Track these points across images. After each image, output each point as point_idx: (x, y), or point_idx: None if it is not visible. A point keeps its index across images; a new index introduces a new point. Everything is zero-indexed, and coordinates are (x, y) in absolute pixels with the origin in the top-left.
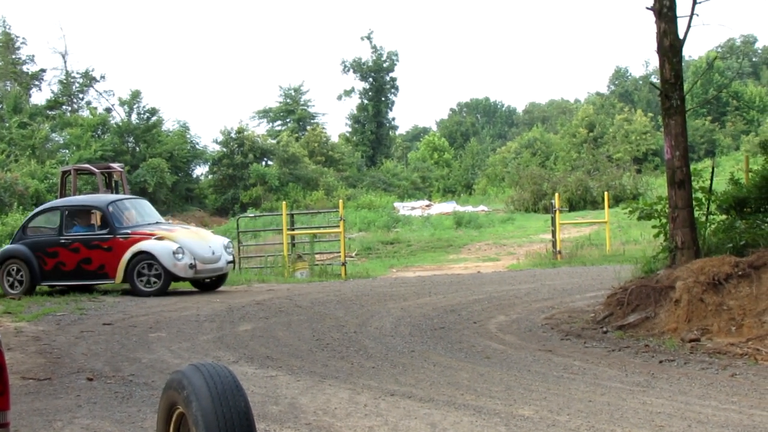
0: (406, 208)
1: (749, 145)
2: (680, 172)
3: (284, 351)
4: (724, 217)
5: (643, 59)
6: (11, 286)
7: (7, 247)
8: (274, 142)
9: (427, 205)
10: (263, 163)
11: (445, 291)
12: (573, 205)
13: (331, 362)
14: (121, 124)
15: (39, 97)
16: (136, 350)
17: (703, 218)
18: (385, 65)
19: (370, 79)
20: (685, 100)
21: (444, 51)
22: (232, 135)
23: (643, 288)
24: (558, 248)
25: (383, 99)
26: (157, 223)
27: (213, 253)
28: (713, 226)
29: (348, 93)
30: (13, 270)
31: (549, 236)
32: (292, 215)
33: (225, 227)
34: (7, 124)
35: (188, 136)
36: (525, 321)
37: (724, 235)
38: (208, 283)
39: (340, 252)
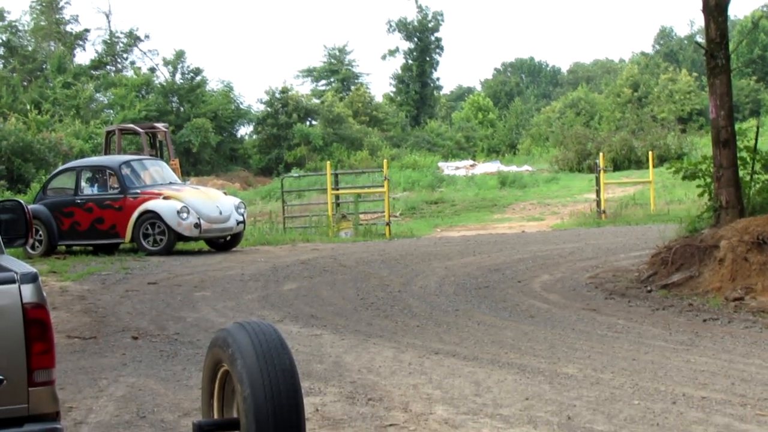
0: (450, 168)
1: None
2: (725, 132)
3: (329, 310)
4: None
5: (688, 18)
6: (32, 246)
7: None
8: (318, 102)
9: (471, 165)
10: (307, 123)
11: (489, 250)
12: (617, 165)
13: (376, 321)
14: (165, 84)
15: (83, 57)
16: (181, 309)
17: (748, 178)
18: (430, 25)
19: (415, 39)
20: (731, 59)
21: (489, 10)
22: (276, 95)
23: (688, 247)
24: (602, 208)
25: (428, 59)
26: (170, 183)
27: (220, 213)
28: (758, 186)
29: (392, 53)
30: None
31: (593, 196)
32: (336, 175)
33: (269, 187)
34: (52, 84)
35: (232, 96)
36: (569, 280)
37: None
38: (222, 243)
39: (384, 212)
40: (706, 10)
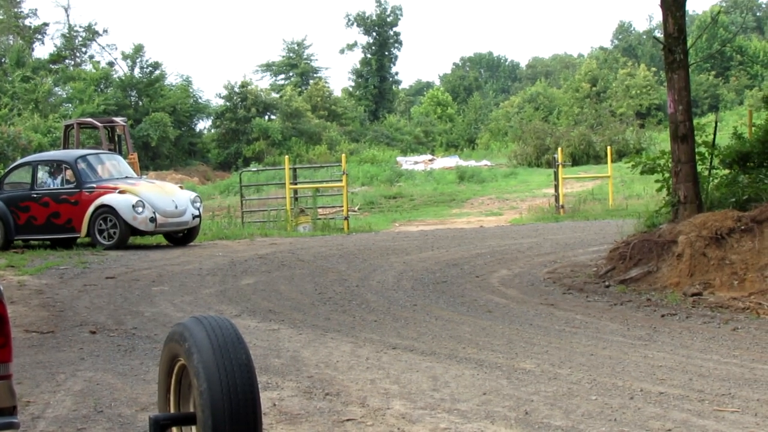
0: (408, 162)
1: (753, 99)
2: (683, 127)
3: (286, 305)
4: (726, 171)
5: (647, 13)
6: None
7: None
8: (276, 96)
9: (429, 160)
10: (266, 117)
11: (448, 245)
12: (576, 160)
13: (334, 316)
14: (123, 78)
15: (42, 51)
16: (139, 304)
17: (706, 173)
18: (388, 19)
19: (374, 34)
20: (689, 54)
21: (447, 4)
22: (235, 89)
23: (646, 242)
24: (560, 203)
25: (386, 53)
26: (126, 177)
27: (176, 207)
28: (716, 181)
29: (351, 47)
30: None
31: (552, 191)
32: (294, 169)
33: (228, 181)
34: (10, 78)
35: (191, 90)
36: (527, 275)
37: (727, 190)
38: (179, 237)
39: (342, 206)
40: (664, 5)
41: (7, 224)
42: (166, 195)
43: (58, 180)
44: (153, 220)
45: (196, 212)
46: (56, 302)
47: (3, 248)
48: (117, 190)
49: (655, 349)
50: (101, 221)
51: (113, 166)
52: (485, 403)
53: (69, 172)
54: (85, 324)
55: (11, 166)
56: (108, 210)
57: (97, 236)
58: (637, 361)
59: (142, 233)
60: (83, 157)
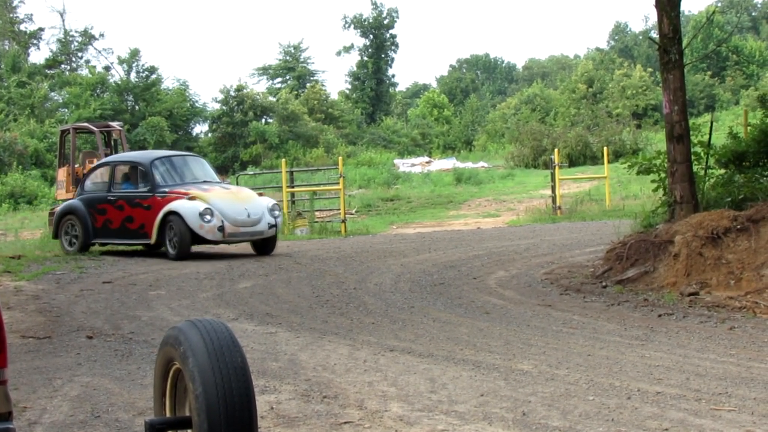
0: (405, 164)
1: (748, 99)
2: (679, 127)
3: (284, 308)
4: (722, 171)
5: (642, 14)
6: (70, 243)
7: (66, 202)
8: (273, 99)
9: (427, 162)
10: (263, 120)
11: (445, 247)
12: (573, 161)
13: (331, 318)
14: (120, 82)
15: (37, 56)
16: (136, 308)
17: (702, 172)
18: (385, 22)
19: (371, 36)
20: (684, 54)
21: (444, 7)
22: (232, 93)
23: (642, 243)
24: (558, 204)
25: (383, 56)
26: (204, 182)
27: (248, 216)
28: (712, 181)
29: (347, 49)
30: (70, 226)
31: (549, 192)
32: (291, 173)
33: None
34: (6, 84)
35: (187, 94)
36: (524, 276)
37: (723, 190)
38: (259, 246)
39: (339, 209)
40: (659, 5)
41: (85, 226)
42: (238, 202)
43: (134, 182)
44: (221, 228)
45: (273, 221)
46: (53, 307)
47: (81, 251)
48: (187, 196)
49: (652, 348)
50: (170, 229)
51: (193, 169)
52: (483, 405)
53: (144, 175)
54: (81, 329)
55: (93, 166)
56: (176, 217)
57: (168, 244)
58: (634, 361)
59: (210, 242)
60: (160, 159)
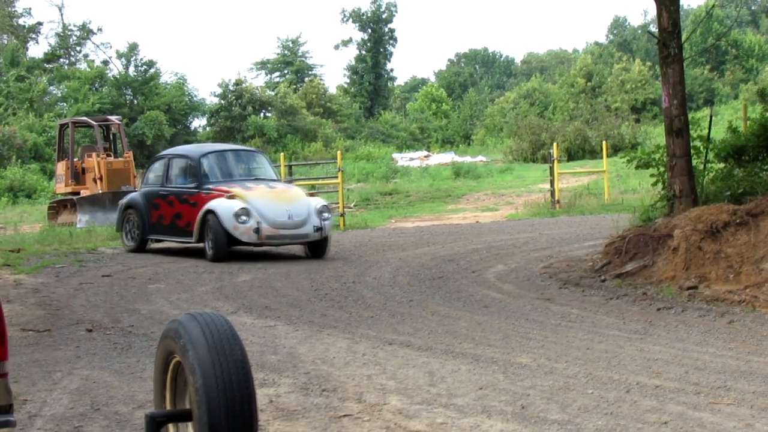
0: (404, 159)
1: (748, 93)
2: (678, 121)
3: (283, 301)
4: (722, 165)
5: (641, 8)
6: (128, 237)
7: (129, 195)
8: (272, 93)
9: (425, 156)
10: (261, 115)
11: (444, 241)
12: (571, 155)
13: (330, 312)
14: (118, 76)
15: (36, 50)
16: (135, 301)
17: (701, 167)
18: (383, 16)
19: (369, 30)
20: (683, 48)
21: (442, 1)
22: (230, 87)
23: (641, 236)
24: (556, 198)
25: (381, 50)
26: (255, 178)
27: (289, 218)
28: (711, 175)
29: (346, 43)
30: (130, 220)
31: (547, 186)
32: (290, 167)
33: None
34: (5, 78)
35: (186, 88)
36: (523, 270)
37: (722, 184)
38: (309, 249)
39: (338, 203)
40: None
41: (142, 220)
42: (280, 203)
43: (184, 177)
44: (257, 230)
45: (319, 224)
46: (52, 301)
47: (139, 248)
48: (227, 194)
49: (651, 342)
50: (208, 228)
51: (245, 164)
52: (482, 398)
53: (193, 170)
54: (81, 322)
55: (154, 158)
56: (213, 216)
57: (207, 244)
58: (633, 355)
59: (246, 244)
60: (210, 154)
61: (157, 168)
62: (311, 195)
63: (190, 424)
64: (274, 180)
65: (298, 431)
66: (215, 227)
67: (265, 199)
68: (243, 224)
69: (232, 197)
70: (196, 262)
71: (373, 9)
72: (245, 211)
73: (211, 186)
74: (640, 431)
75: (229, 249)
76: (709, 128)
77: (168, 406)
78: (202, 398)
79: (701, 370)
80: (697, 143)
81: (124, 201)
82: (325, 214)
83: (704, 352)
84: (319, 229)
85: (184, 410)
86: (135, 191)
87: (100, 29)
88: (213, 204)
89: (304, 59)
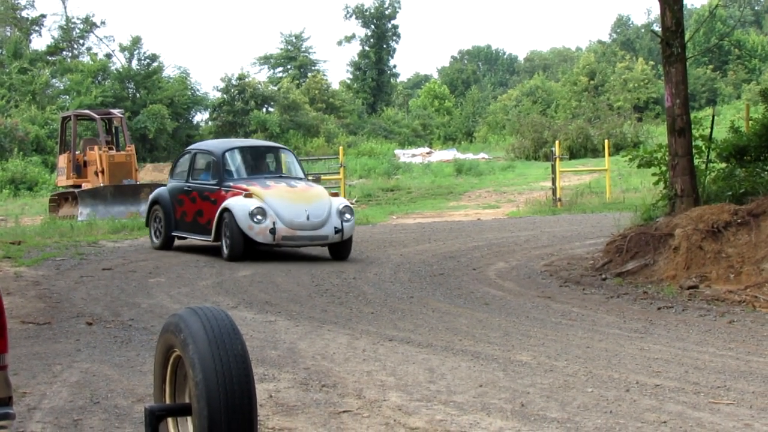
0: (406, 155)
1: (750, 93)
2: (680, 120)
3: (283, 296)
4: (723, 165)
5: (645, 7)
6: (155, 234)
7: (157, 189)
8: (274, 88)
9: (427, 153)
10: (264, 110)
11: (445, 238)
12: (573, 153)
13: (330, 308)
14: (121, 70)
15: (39, 42)
16: (136, 295)
17: (703, 166)
18: (387, 12)
19: (372, 26)
20: (686, 48)
21: None
22: (233, 82)
23: (642, 235)
24: (558, 196)
25: (384, 46)
26: (277, 176)
27: (307, 218)
28: (713, 174)
29: (349, 39)
30: (157, 217)
31: (549, 184)
32: None
33: None
34: (7, 70)
35: (188, 82)
36: (524, 268)
37: (724, 183)
38: (331, 250)
39: None
40: None
41: (168, 217)
42: (299, 203)
43: (207, 173)
44: (273, 231)
45: (339, 226)
46: (53, 293)
47: (164, 245)
48: (244, 193)
49: (651, 341)
50: (225, 227)
51: (269, 162)
52: (481, 395)
53: (215, 166)
54: (81, 315)
55: (181, 152)
56: (229, 215)
57: (223, 243)
58: (633, 354)
59: (262, 245)
60: (233, 150)
61: (182, 163)
62: (334, 195)
63: (189, 418)
64: (296, 178)
65: (298, 426)
66: (231, 226)
67: (282, 198)
68: (258, 224)
69: (249, 196)
70: (196, 257)
71: (377, 5)
72: (261, 211)
73: (231, 183)
74: (639, 430)
75: (245, 249)
76: (711, 128)
77: (168, 400)
78: (202, 392)
79: (701, 369)
80: (699, 143)
81: (151, 196)
82: (347, 215)
83: (704, 351)
84: (339, 230)
85: (183, 404)
86: (136, 184)
87: (103, 22)
88: (229, 202)
89: (307, 55)
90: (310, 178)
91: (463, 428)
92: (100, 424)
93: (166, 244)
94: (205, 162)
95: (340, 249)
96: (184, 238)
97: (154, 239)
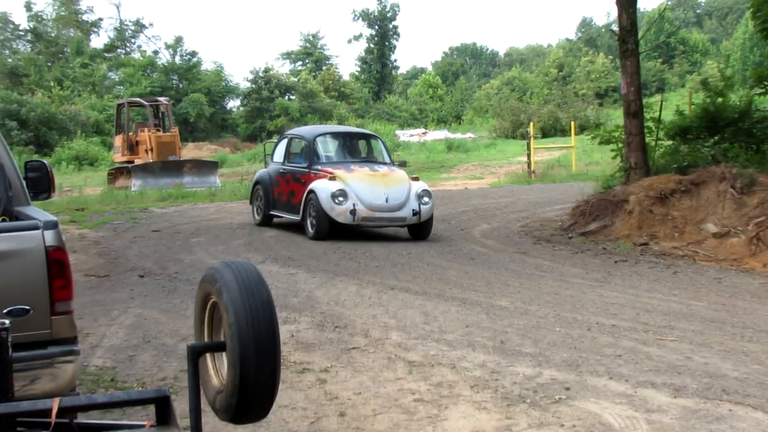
0: (405, 135)
1: (692, 83)
2: (634, 105)
3: (303, 253)
4: (670, 142)
5: (605, 10)
6: (257, 211)
7: (259, 171)
8: (295, 79)
9: (423, 133)
10: (286, 97)
11: (437, 204)
12: (545, 133)
13: (342, 262)
14: (166, 64)
15: (97, 41)
16: (180, 252)
17: (653, 143)
18: (388, 15)
19: (376, 27)
20: (639, 44)
21: (438, 2)
22: (260, 74)
23: (602, 201)
24: (532, 168)
25: (387, 43)
26: (362, 161)
27: (386, 201)
28: (661, 150)
29: (357, 38)
30: (259, 196)
31: (525, 159)
32: None
33: (254, 151)
34: (72, 65)
35: (223, 74)
36: (504, 228)
37: (670, 158)
38: (411, 231)
39: None
40: (619, 2)
41: (267, 195)
42: (379, 186)
43: (299, 157)
44: (353, 212)
45: (417, 208)
46: (111, 251)
47: (264, 222)
48: (329, 176)
49: (608, 289)
50: (311, 207)
51: (356, 147)
52: (468, 334)
53: (307, 150)
54: (134, 269)
55: (281, 136)
56: (314, 196)
57: (307, 223)
58: (593, 299)
59: (343, 225)
60: (324, 135)
61: (280, 147)
62: (414, 179)
63: (224, 353)
64: (381, 163)
65: (315, 360)
66: (316, 207)
67: (364, 181)
68: (339, 205)
69: (333, 178)
70: (230, 220)
71: (380, 9)
72: (342, 193)
73: (319, 167)
74: (599, 362)
75: (330, 229)
76: (660, 111)
77: (206, 339)
78: (234, 332)
79: (650, 312)
80: (650, 124)
81: (255, 177)
82: (425, 199)
83: (653, 297)
84: (417, 213)
85: (219, 342)
86: (179, 160)
87: (151, 24)
88: (315, 184)
89: (322, 51)
90: (396, 163)
91: (453, 361)
92: (150, 359)
93: (266, 222)
94: (299, 146)
95: (419, 230)
96: (280, 217)
97: (256, 216)
